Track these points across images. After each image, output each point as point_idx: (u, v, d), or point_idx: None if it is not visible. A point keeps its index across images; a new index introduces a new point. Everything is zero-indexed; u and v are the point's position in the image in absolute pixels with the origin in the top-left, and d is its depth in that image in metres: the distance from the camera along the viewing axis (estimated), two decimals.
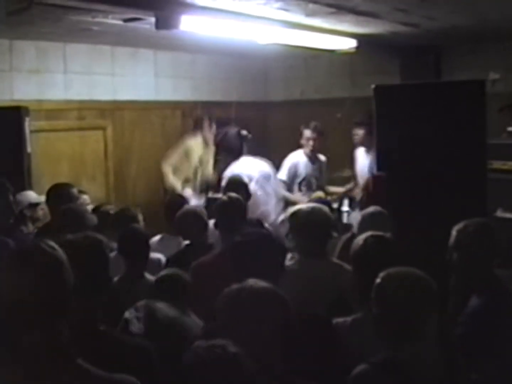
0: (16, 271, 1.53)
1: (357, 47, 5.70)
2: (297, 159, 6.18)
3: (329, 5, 4.15)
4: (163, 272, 3.13)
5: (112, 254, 3.07)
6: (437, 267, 2.58)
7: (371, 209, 3.84)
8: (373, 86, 4.69)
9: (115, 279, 3.06)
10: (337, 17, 4.59)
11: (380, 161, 4.63)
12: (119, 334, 2.22)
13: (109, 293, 2.21)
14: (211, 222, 3.83)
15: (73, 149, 6.05)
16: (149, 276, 3.38)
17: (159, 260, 3.83)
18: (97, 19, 4.40)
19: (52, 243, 1.60)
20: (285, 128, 7.24)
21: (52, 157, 5.78)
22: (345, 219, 5.70)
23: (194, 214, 4.00)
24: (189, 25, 4.12)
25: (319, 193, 5.90)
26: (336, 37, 5.40)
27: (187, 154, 6.22)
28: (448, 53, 6.60)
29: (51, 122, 5.78)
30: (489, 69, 6.17)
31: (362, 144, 6.10)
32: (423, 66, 6.57)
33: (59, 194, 4.16)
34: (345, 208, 5.79)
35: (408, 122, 4.50)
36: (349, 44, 5.64)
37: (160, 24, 4.02)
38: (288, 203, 5.85)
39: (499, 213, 5.42)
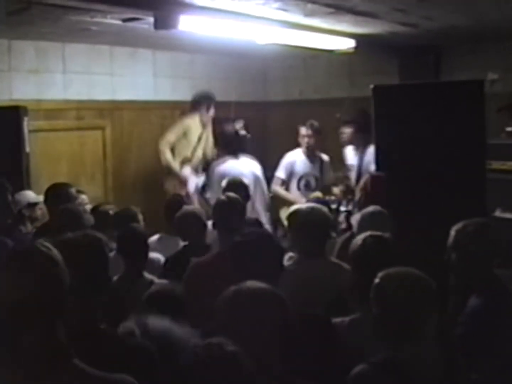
0: (14, 271, 1.53)
1: (356, 47, 5.70)
2: (294, 157, 6.15)
3: (327, 5, 4.15)
4: (154, 288, 2.97)
5: (111, 254, 3.06)
6: (437, 267, 2.58)
7: (370, 208, 3.83)
8: (371, 86, 4.69)
9: (115, 278, 3.06)
10: (336, 17, 4.59)
11: (379, 161, 4.63)
12: (119, 334, 2.21)
13: (109, 293, 2.20)
14: (210, 223, 3.84)
15: (72, 149, 6.05)
16: (148, 276, 3.39)
17: (158, 260, 3.84)
18: (96, 19, 4.40)
19: (48, 244, 1.60)
20: (284, 128, 7.23)
21: (51, 157, 5.78)
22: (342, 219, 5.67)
23: (193, 214, 4.00)
24: (187, 25, 4.11)
25: (317, 193, 5.89)
26: (335, 37, 5.40)
27: (185, 133, 6.20)
28: (448, 53, 6.60)
29: (50, 122, 5.78)
30: (489, 69, 6.17)
31: (350, 142, 6.02)
32: (422, 66, 6.57)
33: (58, 194, 4.16)
34: (344, 208, 5.77)
35: (407, 122, 4.50)
36: (348, 44, 5.64)
37: (159, 24, 4.02)
38: (285, 202, 5.85)
39: (498, 213, 5.42)
